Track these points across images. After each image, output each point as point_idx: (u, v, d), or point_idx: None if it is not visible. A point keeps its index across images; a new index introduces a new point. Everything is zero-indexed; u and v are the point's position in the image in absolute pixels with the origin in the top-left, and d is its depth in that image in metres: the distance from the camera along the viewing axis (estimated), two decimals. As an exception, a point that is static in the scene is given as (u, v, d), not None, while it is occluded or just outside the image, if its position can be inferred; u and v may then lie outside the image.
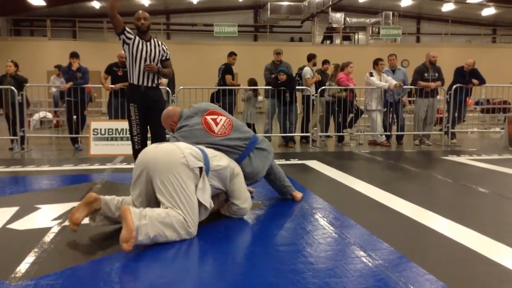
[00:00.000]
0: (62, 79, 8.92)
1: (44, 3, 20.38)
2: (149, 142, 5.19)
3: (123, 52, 8.40)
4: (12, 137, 8.16)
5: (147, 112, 5.09)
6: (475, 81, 9.06)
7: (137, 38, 5.02)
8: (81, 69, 8.24)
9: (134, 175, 3.23)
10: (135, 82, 5.03)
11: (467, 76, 9.12)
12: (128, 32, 5.00)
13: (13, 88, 7.85)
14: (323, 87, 9.09)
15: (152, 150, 3.24)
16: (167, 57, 5.23)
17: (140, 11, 5.10)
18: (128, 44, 4.99)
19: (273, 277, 2.50)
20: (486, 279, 2.47)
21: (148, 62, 5.00)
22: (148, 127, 5.21)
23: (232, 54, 9.54)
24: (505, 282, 2.44)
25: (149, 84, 5.07)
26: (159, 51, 5.12)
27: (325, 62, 10.17)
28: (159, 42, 5.19)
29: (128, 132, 7.61)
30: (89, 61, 10.02)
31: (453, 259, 2.79)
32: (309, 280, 2.43)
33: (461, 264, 2.71)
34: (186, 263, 2.72)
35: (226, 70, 9.29)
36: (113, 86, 8.34)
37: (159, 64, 5.12)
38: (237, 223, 3.55)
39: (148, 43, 5.05)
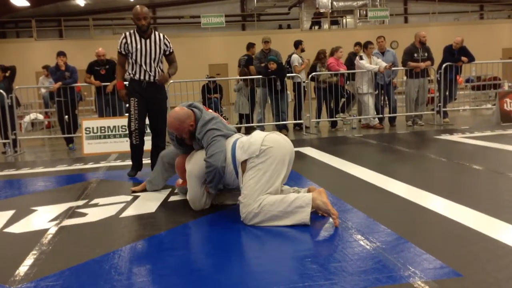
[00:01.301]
0: (51, 80, 8.85)
1: (28, 4, 20.14)
2: (146, 139, 5.25)
3: (100, 49, 8.40)
4: (4, 141, 8.10)
5: (147, 106, 5.06)
6: (464, 58, 9.07)
7: (135, 37, 4.95)
8: (69, 68, 8.17)
9: (282, 160, 3.28)
10: (137, 78, 5.00)
11: (456, 54, 9.13)
12: (123, 43, 4.96)
13: (1, 91, 7.78)
14: (314, 73, 9.06)
15: (283, 138, 3.43)
16: (171, 51, 5.15)
17: (139, 9, 4.90)
18: (127, 44, 4.95)
19: (272, 264, 2.51)
20: (483, 255, 2.50)
21: (148, 60, 4.95)
22: (148, 123, 5.21)
23: (252, 46, 9.82)
24: (502, 257, 2.46)
25: (151, 79, 5.02)
26: (160, 47, 5.04)
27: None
28: (161, 37, 5.08)
29: (121, 129, 7.66)
30: (76, 60, 9.95)
31: (450, 237, 2.81)
32: (308, 266, 2.45)
33: (458, 241, 2.73)
34: (185, 258, 2.73)
35: (249, 61, 9.50)
36: (104, 84, 8.26)
37: (160, 61, 5.08)
38: (234, 213, 3.56)
39: (148, 41, 4.97)
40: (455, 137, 7.18)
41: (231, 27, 23.72)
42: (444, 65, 9.03)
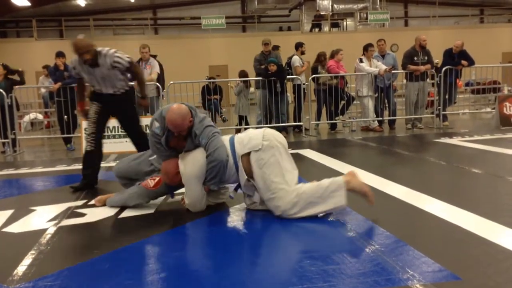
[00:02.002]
0: (51, 80, 8.85)
1: (28, 4, 20.14)
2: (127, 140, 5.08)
3: None
4: (3, 140, 8.10)
5: (110, 114, 4.83)
6: (464, 62, 9.08)
7: (83, 66, 4.53)
8: (68, 68, 8.17)
9: (285, 148, 3.47)
10: (96, 90, 4.71)
11: (456, 58, 9.14)
12: (73, 68, 4.67)
13: (1, 90, 7.78)
14: (314, 75, 9.06)
15: (275, 131, 3.60)
16: (127, 66, 4.62)
17: (78, 43, 4.38)
18: (77, 71, 4.64)
19: (271, 266, 2.51)
20: (482, 259, 2.49)
21: (102, 83, 4.59)
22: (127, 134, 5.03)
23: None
24: (502, 261, 2.46)
25: (111, 92, 4.67)
26: (113, 70, 4.56)
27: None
28: (111, 60, 4.48)
29: (120, 130, 7.65)
30: (77, 60, 9.93)
31: (449, 241, 2.81)
32: (307, 268, 2.44)
33: (457, 245, 2.73)
34: (183, 259, 2.72)
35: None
36: None
37: (119, 76, 4.67)
38: (230, 215, 3.56)
39: (97, 68, 4.51)
40: (455, 141, 7.18)
41: (232, 29, 23.73)
42: (444, 68, 9.04)
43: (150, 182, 3.77)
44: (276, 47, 9.52)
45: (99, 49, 4.47)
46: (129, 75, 4.90)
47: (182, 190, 3.81)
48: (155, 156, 3.82)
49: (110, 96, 4.68)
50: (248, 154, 3.40)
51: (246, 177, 3.44)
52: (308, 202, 3.28)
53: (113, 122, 7.68)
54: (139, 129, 4.93)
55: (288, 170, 3.39)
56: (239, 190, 3.70)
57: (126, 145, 7.58)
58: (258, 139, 3.40)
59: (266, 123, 8.60)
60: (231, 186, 3.77)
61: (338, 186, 3.29)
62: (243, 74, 9.83)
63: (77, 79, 4.83)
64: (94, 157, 4.72)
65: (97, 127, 4.65)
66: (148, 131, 3.88)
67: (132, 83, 5.13)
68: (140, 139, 4.86)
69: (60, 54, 8.09)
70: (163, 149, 3.61)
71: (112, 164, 6.43)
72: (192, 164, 3.51)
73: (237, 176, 3.52)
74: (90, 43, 4.44)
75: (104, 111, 4.73)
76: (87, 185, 4.68)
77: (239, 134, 3.66)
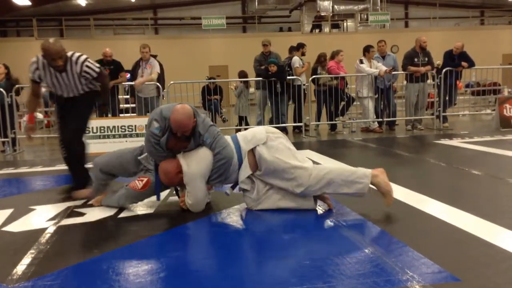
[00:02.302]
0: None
1: (29, 3, 20.14)
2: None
3: (108, 49, 8.41)
4: (3, 139, 8.10)
5: (64, 115, 4.45)
6: (464, 64, 9.08)
7: (48, 69, 4.15)
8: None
9: (286, 139, 3.66)
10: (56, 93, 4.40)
11: (457, 59, 9.14)
12: (35, 69, 4.20)
13: (1, 90, 7.78)
14: (315, 76, 9.06)
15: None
16: (95, 76, 4.30)
17: (51, 47, 3.99)
18: (39, 73, 4.22)
19: (271, 267, 2.51)
20: (482, 260, 2.49)
21: (65, 89, 4.28)
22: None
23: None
24: (501, 262, 2.46)
25: (72, 96, 4.36)
26: (80, 79, 4.25)
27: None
28: (80, 68, 4.18)
29: (120, 130, 7.66)
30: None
31: (448, 242, 2.81)
32: (306, 268, 2.44)
33: (456, 246, 2.73)
34: (183, 259, 2.72)
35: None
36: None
37: (82, 85, 4.32)
38: (229, 215, 3.56)
39: (64, 74, 4.18)
40: (455, 142, 7.18)
41: (232, 29, 23.73)
42: (444, 70, 9.04)
43: (138, 183, 3.69)
44: (301, 45, 9.55)
45: (69, 54, 4.14)
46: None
47: (166, 191, 3.89)
48: (144, 155, 3.75)
49: (71, 98, 4.38)
50: (252, 150, 3.51)
51: (251, 172, 3.51)
52: (333, 182, 3.42)
53: (112, 122, 7.70)
54: (77, 133, 4.41)
55: (297, 152, 3.61)
56: (235, 190, 3.72)
57: (126, 145, 7.58)
58: (262, 133, 3.57)
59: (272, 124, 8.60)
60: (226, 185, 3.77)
61: (364, 175, 3.44)
62: (242, 74, 9.83)
63: (32, 83, 4.33)
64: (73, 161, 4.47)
65: (61, 133, 4.40)
66: (145, 131, 3.83)
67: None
68: (71, 144, 4.36)
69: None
70: (161, 150, 3.55)
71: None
72: (196, 162, 3.50)
73: (237, 174, 3.55)
74: (63, 48, 4.07)
75: (64, 112, 4.42)
76: (79, 185, 4.40)
77: (241, 132, 3.76)
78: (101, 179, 3.91)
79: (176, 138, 3.52)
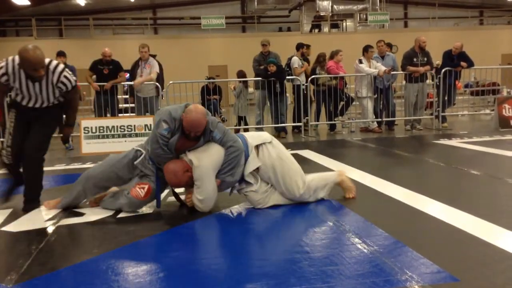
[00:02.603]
0: (50, 79, 8.85)
1: (28, 2, 20.13)
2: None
3: (107, 49, 8.41)
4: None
5: (29, 123, 3.99)
6: (463, 64, 9.09)
7: (19, 75, 3.74)
8: (68, 68, 8.17)
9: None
10: (18, 101, 3.94)
11: (456, 59, 9.15)
12: (2, 74, 3.74)
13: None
14: (313, 76, 9.07)
15: None
16: (69, 89, 3.94)
17: (34, 57, 3.60)
18: (8, 78, 3.77)
19: (270, 267, 2.51)
20: (481, 260, 2.50)
21: (34, 100, 3.88)
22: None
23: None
24: (499, 262, 2.46)
25: (38, 106, 3.95)
26: (54, 91, 3.89)
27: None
28: (58, 78, 3.82)
29: (119, 130, 7.66)
30: (76, 59, 9.95)
31: (447, 242, 2.81)
32: (305, 269, 2.45)
33: (455, 246, 2.74)
34: (182, 260, 2.72)
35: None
36: (104, 84, 8.26)
37: (54, 97, 3.94)
38: (229, 215, 3.56)
39: (37, 84, 3.80)
40: (454, 142, 7.18)
41: (231, 29, 23.72)
42: (443, 70, 9.05)
43: (140, 191, 3.62)
44: (301, 45, 9.56)
45: (46, 61, 3.76)
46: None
47: (165, 191, 3.85)
48: (140, 159, 3.67)
49: (35, 109, 3.96)
50: (257, 147, 3.65)
51: (259, 163, 3.61)
52: (317, 188, 3.79)
53: (111, 122, 7.71)
54: (43, 145, 4.03)
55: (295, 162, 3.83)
56: (234, 191, 3.75)
57: (126, 145, 7.59)
58: (266, 134, 3.83)
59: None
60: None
61: (332, 179, 3.91)
62: (241, 74, 9.83)
63: None
64: (14, 171, 4.10)
65: (13, 140, 3.93)
66: (153, 133, 3.60)
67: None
68: (36, 152, 3.97)
69: (61, 54, 8.12)
70: (168, 151, 3.53)
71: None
72: (208, 156, 3.50)
73: (244, 168, 3.61)
74: (44, 55, 3.70)
75: (23, 119, 3.98)
76: (33, 197, 4.02)
77: (246, 133, 3.97)
78: (92, 193, 3.83)
79: (186, 139, 3.52)
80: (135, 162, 3.69)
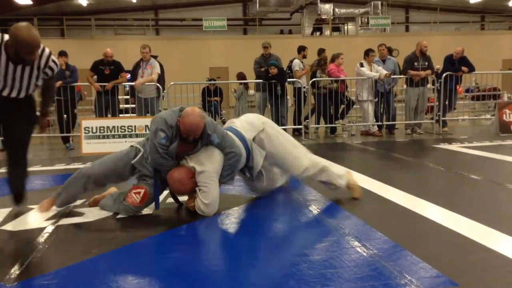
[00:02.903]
0: (52, 78, 8.85)
1: (30, 2, 20.14)
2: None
3: (109, 49, 8.43)
4: (2, 138, 8.08)
5: (4, 119, 3.70)
6: (464, 68, 9.10)
7: (3, 57, 3.37)
8: (69, 68, 8.18)
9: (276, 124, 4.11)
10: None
11: (457, 64, 9.16)
12: None
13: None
14: (314, 79, 9.07)
15: None
16: (55, 72, 3.67)
17: (32, 39, 3.28)
18: None
19: (269, 269, 2.50)
20: (480, 265, 2.49)
21: (16, 84, 3.50)
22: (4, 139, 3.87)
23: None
24: (499, 267, 2.46)
25: (14, 96, 3.58)
26: (38, 75, 3.57)
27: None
28: (45, 62, 3.52)
29: (120, 130, 7.66)
30: (77, 59, 9.94)
31: (447, 247, 2.81)
32: (304, 272, 2.44)
33: (455, 251, 2.73)
34: (181, 261, 2.72)
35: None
36: (105, 84, 8.26)
37: (36, 84, 3.63)
38: (228, 216, 3.55)
39: (21, 66, 3.44)
40: (454, 147, 7.18)
41: (233, 31, 23.75)
42: (444, 75, 9.05)
43: (136, 197, 3.55)
44: (303, 48, 9.58)
45: None
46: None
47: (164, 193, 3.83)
48: (138, 158, 3.59)
49: (11, 99, 3.59)
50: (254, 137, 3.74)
51: (265, 152, 3.73)
52: (325, 170, 3.92)
53: (112, 122, 7.71)
54: (25, 150, 3.80)
55: (289, 135, 4.01)
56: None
57: (125, 145, 7.57)
58: (257, 120, 3.88)
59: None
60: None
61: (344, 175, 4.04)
62: (241, 76, 9.83)
63: None
64: None
65: None
66: (151, 143, 3.48)
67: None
68: (19, 164, 3.80)
69: (62, 53, 8.11)
70: (169, 159, 3.48)
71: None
72: (209, 161, 3.48)
73: (248, 163, 3.71)
74: (39, 36, 3.37)
75: (5, 115, 3.66)
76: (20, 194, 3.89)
77: (235, 123, 3.87)
78: (89, 189, 3.74)
79: (184, 143, 3.48)
80: (132, 162, 3.63)
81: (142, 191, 3.55)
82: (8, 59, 3.36)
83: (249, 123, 3.82)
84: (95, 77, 8.43)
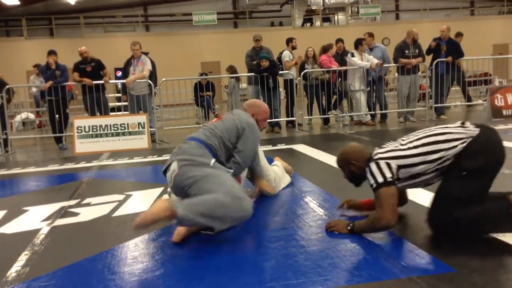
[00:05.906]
0: (42, 79, 8.79)
1: (18, 2, 19.96)
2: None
3: (83, 47, 8.39)
4: None
5: None
6: (449, 58, 9.05)
7: None
8: (59, 67, 8.12)
9: None
10: None
11: (446, 45, 9.15)
12: None
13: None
14: (306, 70, 9.06)
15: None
16: None
17: None
18: None
19: (266, 261, 2.51)
20: (477, 251, 2.51)
21: None
22: None
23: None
24: (497, 255, 2.47)
25: None
26: None
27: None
28: None
29: (113, 128, 7.63)
30: (67, 58, 9.86)
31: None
32: (301, 263, 2.45)
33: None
34: (179, 257, 2.72)
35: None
36: (89, 81, 8.20)
37: None
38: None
39: None
40: (447, 133, 7.19)
41: (223, 25, 23.65)
42: (435, 61, 9.05)
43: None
44: (290, 39, 9.51)
45: None
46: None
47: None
48: (171, 185, 3.16)
49: None
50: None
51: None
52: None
53: (104, 121, 7.67)
54: None
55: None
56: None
57: (120, 144, 7.58)
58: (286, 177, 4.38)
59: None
60: None
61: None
62: (232, 69, 9.79)
63: None
64: None
65: None
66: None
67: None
68: None
69: (51, 52, 8.04)
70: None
71: (105, 162, 6.40)
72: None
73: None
74: None
75: None
76: None
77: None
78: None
79: None
80: (168, 190, 3.44)
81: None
82: None
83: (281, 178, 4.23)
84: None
